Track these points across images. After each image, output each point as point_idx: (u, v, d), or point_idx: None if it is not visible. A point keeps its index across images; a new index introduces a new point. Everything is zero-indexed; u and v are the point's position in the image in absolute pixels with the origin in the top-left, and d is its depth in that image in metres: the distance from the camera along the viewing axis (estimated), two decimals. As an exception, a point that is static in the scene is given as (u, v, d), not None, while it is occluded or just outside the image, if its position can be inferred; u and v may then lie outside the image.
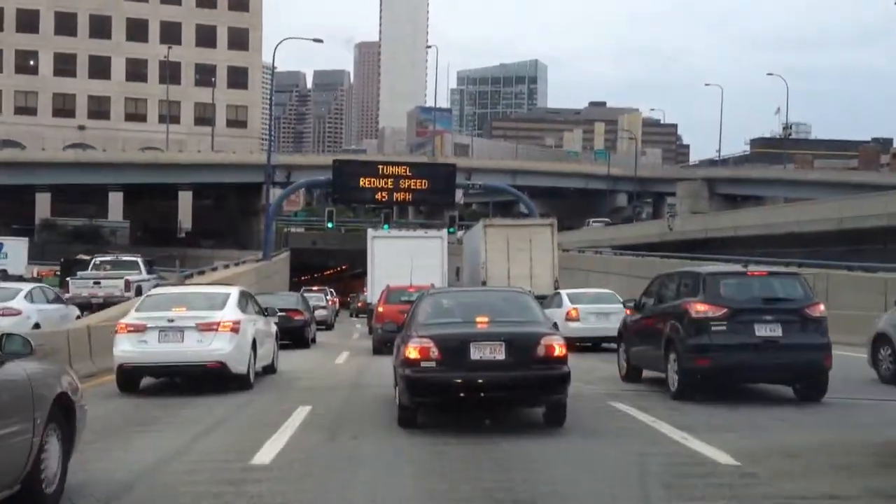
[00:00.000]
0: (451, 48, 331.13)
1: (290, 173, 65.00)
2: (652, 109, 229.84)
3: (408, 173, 47.58)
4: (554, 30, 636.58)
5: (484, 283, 29.63)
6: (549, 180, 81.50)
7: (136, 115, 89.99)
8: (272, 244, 52.99)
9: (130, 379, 14.43)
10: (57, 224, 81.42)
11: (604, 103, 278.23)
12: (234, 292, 15.70)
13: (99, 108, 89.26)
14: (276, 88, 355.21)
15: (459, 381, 9.96)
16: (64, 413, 6.66)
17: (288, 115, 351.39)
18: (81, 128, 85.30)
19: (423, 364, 9.99)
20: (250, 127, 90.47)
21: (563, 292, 24.85)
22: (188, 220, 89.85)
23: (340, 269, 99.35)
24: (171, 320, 14.33)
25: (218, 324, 14.41)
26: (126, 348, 14.31)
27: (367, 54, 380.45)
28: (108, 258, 34.28)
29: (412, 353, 10.05)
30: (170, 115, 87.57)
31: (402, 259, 28.20)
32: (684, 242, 50.56)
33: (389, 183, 46.99)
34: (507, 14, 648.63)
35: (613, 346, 23.66)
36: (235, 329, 14.48)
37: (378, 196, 47.42)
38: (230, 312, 14.81)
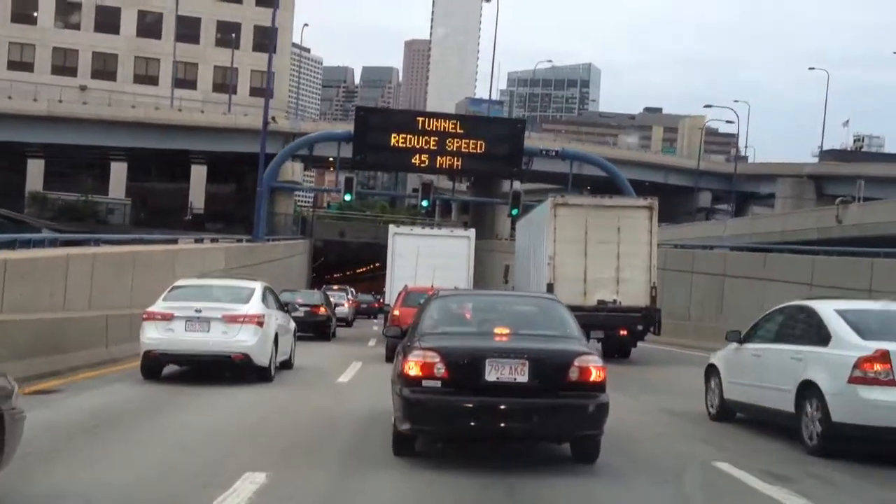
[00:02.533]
0: (503, 53, 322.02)
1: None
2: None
3: (458, 130, 35.10)
4: (606, 40, 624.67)
5: (550, 288, 21.21)
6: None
7: (146, 76, 77.93)
8: (265, 221, 42.21)
9: (155, 365, 14.92)
10: (47, 198, 71.16)
11: (660, 109, 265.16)
12: (258, 287, 16.19)
13: (104, 67, 77.35)
14: (324, 83, 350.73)
15: (470, 406, 8.10)
16: None
17: (334, 110, 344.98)
18: (83, 88, 73.63)
19: (426, 383, 8.14)
20: (277, 97, 77.65)
21: (830, 308, 10.72)
22: (201, 201, 78.55)
23: (373, 267, 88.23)
24: (199, 311, 14.78)
25: (244, 316, 14.91)
26: (153, 335, 14.78)
27: (417, 52, 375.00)
28: None
29: (412, 368, 8.23)
30: (185, 79, 76.01)
31: (424, 259, 27.31)
32: (864, 239, 36.18)
33: (432, 143, 34.81)
34: (560, 23, 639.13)
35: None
36: (260, 322, 15.05)
37: (415, 160, 35.16)
38: (255, 306, 15.35)
